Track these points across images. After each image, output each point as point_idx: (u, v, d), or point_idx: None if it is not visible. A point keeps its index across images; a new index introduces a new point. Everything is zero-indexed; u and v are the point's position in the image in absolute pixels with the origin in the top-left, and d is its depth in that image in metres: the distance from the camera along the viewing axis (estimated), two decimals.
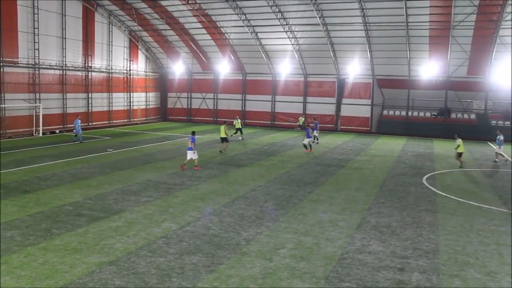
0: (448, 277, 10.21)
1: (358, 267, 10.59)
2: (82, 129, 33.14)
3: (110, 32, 45.22)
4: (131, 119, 49.00)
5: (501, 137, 28.03)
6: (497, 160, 28.52)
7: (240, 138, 35.74)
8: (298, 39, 43.75)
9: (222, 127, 28.82)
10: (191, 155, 22.51)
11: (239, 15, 41.65)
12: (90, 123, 42.78)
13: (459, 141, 25.63)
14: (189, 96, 53.02)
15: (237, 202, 16.28)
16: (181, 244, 11.78)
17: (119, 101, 47.33)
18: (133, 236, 12.24)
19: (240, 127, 36.21)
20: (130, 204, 15.59)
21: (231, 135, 34.06)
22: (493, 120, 42.82)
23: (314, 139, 33.21)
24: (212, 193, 17.58)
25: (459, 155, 25.79)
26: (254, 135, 40.21)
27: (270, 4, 38.99)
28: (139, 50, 49.99)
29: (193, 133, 23.50)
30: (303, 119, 44.40)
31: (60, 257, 10.63)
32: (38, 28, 36.06)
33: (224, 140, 28.85)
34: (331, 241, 12.39)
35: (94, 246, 11.41)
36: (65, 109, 40.01)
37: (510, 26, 36.35)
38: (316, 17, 39.35)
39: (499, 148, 28.31)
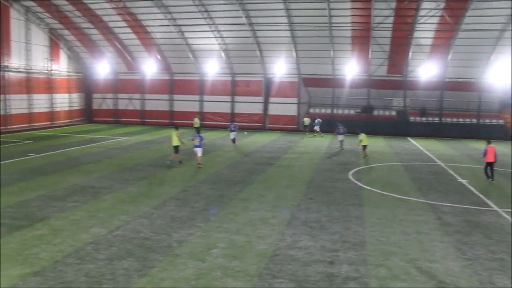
0: (374, 267, 10.71)
1: (289, 263, 10.83)
2: None
3: (28, 30, 42.92)
4: (54, 122, 46.83)
5: (342, 127, 33.76)
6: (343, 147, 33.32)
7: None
8: (224, 38, 43.85)
9: (174, 134, 24.92)
10: (200, 152, 24.05)
11: (165, 14, 41.07)
12: (7, 127, 40.42)
13: (362, 135, 28.25)
14: (115, 97, 51.55)
15: (168, 204, 16.09)
16: (111, 249, 11.47)
17: (40, 102, 45.03)
18: (60, 244, 11.76)
19: (198, 126, 37.97)
20: (55, 210, 14.93)
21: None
22: (411, 116, 45.32)
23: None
24: (142, 196, 17.25)
25: (364, 147, 28.17)
26: (183, 135, 39.70)
27: (196, 3, 38.79)
28: (60, 49, 47.84)
29: (199, 131, 24.88)
30: (308, 120, 43.44)
31: None
32: None
33: (176, 149, 24.84)
34: (263, 238, 12.58)
35: (17, 257, 10.82)
36: None
37: (423, 29, 38.64)
38: (243, 17, 39.66)
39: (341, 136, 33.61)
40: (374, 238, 12.84)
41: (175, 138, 24.61)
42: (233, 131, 32.89)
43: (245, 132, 41.02)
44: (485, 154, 21.45)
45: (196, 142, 24.25)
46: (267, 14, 39.41)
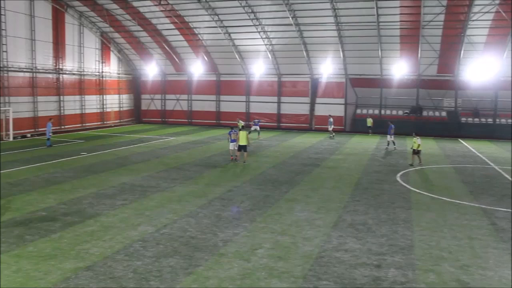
0: (423, 272, 10.40)
1: (335, 265, 10.69)
2: (54, 133, 32.45)
3: (81, 34, 44.51)
4: (104, 122, 48.32)
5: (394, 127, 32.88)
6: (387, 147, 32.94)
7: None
8: (271, 39, 43.87)
9: (244, 134, 25.59)
10: (233, 146, 25.76)
11: (212, 16, 41.53)
12: (62, 127, 42.04)
13: (417, 139, 25.80)
14: (163, 98, 52.62)
15: (214, 203, 16.24)
16: (158, 247, 11.69)
17: (91, 103, 46.60)
18: (109, 240, 12.10)
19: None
20: (105, 208, 15.39)
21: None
22: (463, 117, 43.82)
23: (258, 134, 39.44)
24: (188, 195, 17.50)
25: (416, 152, 25.65)
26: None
27: (243, 4, 39.00)
28: (111, 52, 49.33)
29: (232, 128, 26.94)
30: (371, 120, 43.56)
31: (34, 264, 10.42)
32: (5, 29, 35.29)
33: (242, 148, 25.43)
34: (308, 240, 12.47)
35: (69, 252, 11.22)
36: (36, 112, 39.20)
37: (477, 26, 37.26)
38: (289, 18, 39.54)
39: (391, 137, 32.86)
40: (422, 242, 12.47)
41: (243, 137, 25.31)
42: (255, 125, 40.20)
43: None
44: None
45: (234, 136, 25.75)
46: (313, 14, 39.11)
